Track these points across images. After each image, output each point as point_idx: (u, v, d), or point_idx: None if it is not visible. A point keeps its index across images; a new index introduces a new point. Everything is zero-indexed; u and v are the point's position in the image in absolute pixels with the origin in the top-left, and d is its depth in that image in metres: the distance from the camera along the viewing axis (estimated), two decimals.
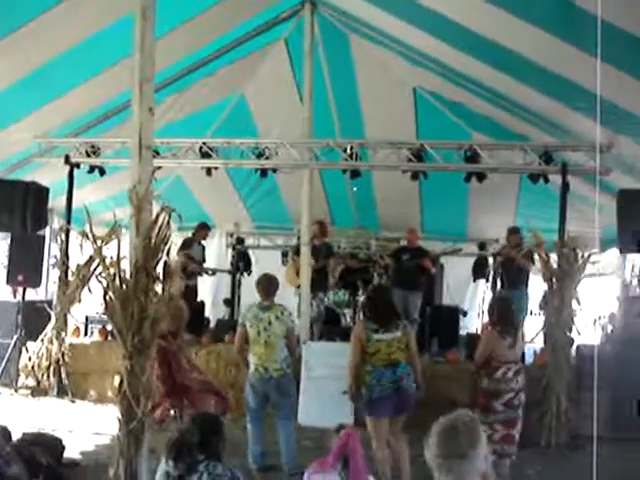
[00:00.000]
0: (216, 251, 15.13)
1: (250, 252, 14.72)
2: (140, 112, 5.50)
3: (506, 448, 6.42)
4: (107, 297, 5.29)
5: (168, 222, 5.30)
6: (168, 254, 5.54)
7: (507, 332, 6.63)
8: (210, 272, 13.32)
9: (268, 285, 7.25)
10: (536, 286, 14.15)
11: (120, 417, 5.29)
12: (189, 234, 12.22)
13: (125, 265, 5.46)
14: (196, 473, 3.99)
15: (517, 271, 10.73)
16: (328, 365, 9.26)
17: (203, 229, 12.27)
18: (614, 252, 12.31)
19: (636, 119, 8.16)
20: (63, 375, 10.08)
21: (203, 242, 12.53)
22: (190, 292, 11.52)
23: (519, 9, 7.39)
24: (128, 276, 5.34)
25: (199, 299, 12.36)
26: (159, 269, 5.48)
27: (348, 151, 10.06)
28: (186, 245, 11.79)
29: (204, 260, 12.57)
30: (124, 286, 5.23)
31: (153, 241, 5.26)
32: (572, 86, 8.09)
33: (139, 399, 5.17)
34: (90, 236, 5.94)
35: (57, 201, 11.75)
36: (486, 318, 10.91)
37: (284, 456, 7.07)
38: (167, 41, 8.77)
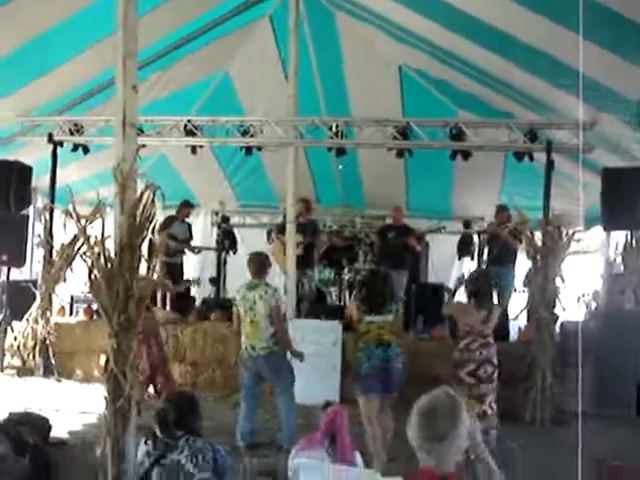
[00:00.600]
0: (201, 229, 15.07)
1: (235, 230, 14.67)
2: (124, 89, 5.45)
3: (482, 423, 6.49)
4: (92, 276, 5.26)
5: (153, 200, 5.27)
6: (153, 232, 5.52)
7: (482, 305, 6.71)
8: (196, 250, 13.26)
9: (258, 264, 7.28)
10: (522, 264, 14.30)
11: (107, 395, 5.28)
12: (174, 212, 12.18)
13: (110, 244, 5.44)
14: (177, 449, 4.02)
15: (504, 248, 10.80)
16: (314, 342, 9.30)
17: (185, 207, 12.20)
18: (598, 230, 12.40)
19: (619, 97, 8.17)
20: (49, 355, 10.07)
21: (188, 220, 12.47)
22: (175, 270, 11.50)
23: None
24: (113, 255, 5.30)
25: (185, 277, 12.32)
26: (144, 247, 5.45)
27: (333, 129, 10.03)
28: (167, 223, 11.73)
29: (191, 237, 12.51)
30: (109, 265, 5.20)
31: (138, 219, 5.23)
32: (556, 64, 8.08)
33: (126, 377, 5.16)
34: (74, 215, 5.91)
35: (40, 180, 11.66)
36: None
37: (284, 435, 7.11)
38: (150, 18, 8.69)
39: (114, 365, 5.20)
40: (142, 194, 5.25)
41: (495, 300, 7.61)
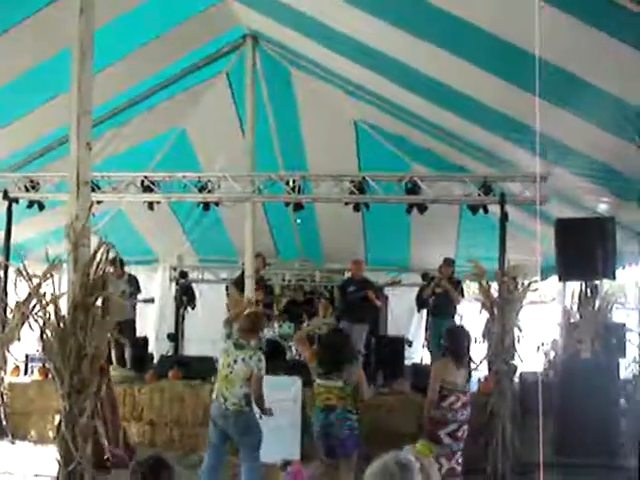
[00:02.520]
0: (160, 285, 14.96)
1: (194, 286, 14.57)
2: (77, 147, 5.43)
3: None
4: (44, 336, 5.15)
5: (107, 258, 5.21)
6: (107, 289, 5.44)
7: (462, 363, 6.69)
8: (134, 303, 12.84)
9: (249, 324, 7.24)
10: (474, 315, 14.42)
11: (59, 459, 5.13)
12: (133, 268, 12.05)
13: (63, 302, 5.35)
14: None
15: (448, 301, 11.25)
16: (273, 399, 9.16)
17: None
18: (554, 280, 12.56)
19: (570, 150, 8.37)
20: (2, 415, 9.77)
21: (131, 274, 12.26)
22: (127, 327, 11.32)
23: (457, 47, 7.53)
24: (66, 314, 5.21)
25: (142, 334, 12.14)
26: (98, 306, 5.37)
27: (291, 184, 10.07)
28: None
29: (138, 290, 12.23)
30: (61, 324, 5.11)
31: (91, 277, 5.17)
32: (509, 120, 8.28)
33: (77, 441, 5.03)
34: (24, 274, 5.81)
35: None
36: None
37: None
38: (107, 75, 8.74)
39: (65, 428, 5.07)
40: (95, 252, 5.19)
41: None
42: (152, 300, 13.57)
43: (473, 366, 11.31)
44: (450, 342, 6.93)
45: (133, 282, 12.04)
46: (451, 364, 6.68)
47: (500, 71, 7.47)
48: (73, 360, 5.05)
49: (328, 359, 6.70)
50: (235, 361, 6.97)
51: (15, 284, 7.35)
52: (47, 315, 5.15)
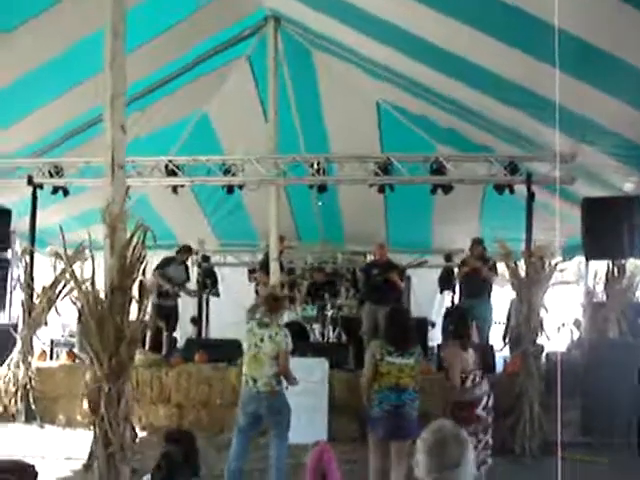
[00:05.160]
0: None
1: (216, 270, 14.60)
2: (112, 130, 5.43)
3: (484, 455, 6.48)
4: (83, 318, 5.18)
5: (143, 241, 5.22)
6: (144, 274, 5.46)
7: (466, 343, 6.68)
8: (193, 294, 12.99)
9: (271, 302, 7.23)
10: (500, 296, 14.38)
11: (98, 441, 5.17)
12: (155, 252, 12.06)
13: (98, 286, 5.37)
14: None
15: (480, 282, 10.91)
16: (300, 380, 9.20)
17: (186, 251, 12.02)
18: (577, 260, 12.52)
19: (598, 128, 8.30)
20: (31, 400, 9.85)
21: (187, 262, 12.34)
22: (169, 312, 11.40)
23: (479, 22, 7.49)
24: (102, 296, 5.24)
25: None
26: (134, 289, 5.40)
27: (315, 166, 10.06)
28: (163, 264, 11.62)
29: (188, 280, 12.29)
30: (99, 307, 5.13)
31: (128, 261, 5.18)
32: (535, 97, 8.18)
33: (118, 423, 5.07)
34: (64, 257, 5.83)
35: (19, 222, 11.56)
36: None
37: (273, 476, 6.98)
38: (130, 59, 8.70)
39: (105, 410, 5.10)
40: (132, 235, 5.21)
41: (475, 334, 7.55)
42: (195, 293, 13.56)
43: (498, 347, 11.42)
44: (451, 325, 6.95)
45: (187, 270, 12.20)
46: (459, 349, 6.70)
47: (526, 47, 7.40)
48: (111, 343, 5.07)
49: (399, 337, 6.50)
50: (262, 340, 6.95)
51: (54, 267, 7.38)
52: (85, 298, 5.16)
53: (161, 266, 11.49)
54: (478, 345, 6.93)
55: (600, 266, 10.74)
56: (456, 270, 12.99)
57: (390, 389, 6.36)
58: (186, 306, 14.46)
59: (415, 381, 6.46)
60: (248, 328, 7.10)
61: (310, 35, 10.62)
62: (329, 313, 12.66)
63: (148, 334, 11.05)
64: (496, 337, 13.36)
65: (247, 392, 7.00)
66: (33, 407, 9.87)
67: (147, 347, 10.94)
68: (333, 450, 6.47)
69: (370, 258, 13.25)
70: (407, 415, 6.36)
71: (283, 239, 11.89)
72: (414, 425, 6.35)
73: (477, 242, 11.16)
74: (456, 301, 13.08)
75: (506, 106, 9.18)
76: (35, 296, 10.12)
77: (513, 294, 9.90)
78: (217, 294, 13.85)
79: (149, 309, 5.60)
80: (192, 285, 13.96)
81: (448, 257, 14.30)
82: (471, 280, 11.00)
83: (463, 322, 6.88)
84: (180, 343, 12.18)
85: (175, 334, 12.74)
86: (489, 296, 11.16)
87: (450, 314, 7.35)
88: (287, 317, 11.53)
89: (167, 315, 10.70)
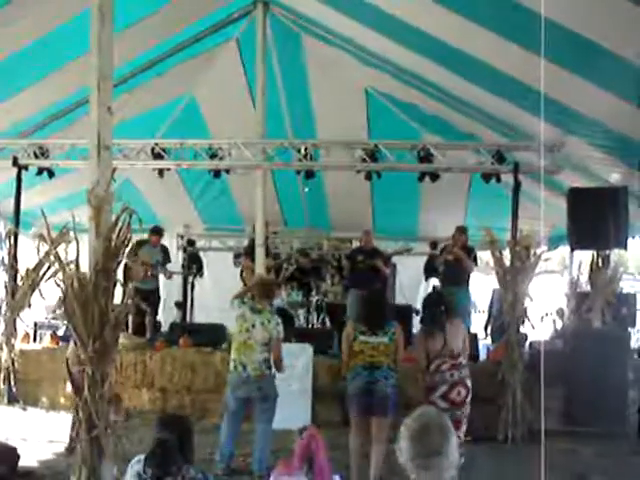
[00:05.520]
0: None
1: (201, 254, 14.56)
2: (99, 111, 5.38)
3: None
4: (66, 301, 5.15)
5: (129, 224, 5.19)
6: (128, 257, 5.43)
7: (434, 330, 6.64)
8: (167, 274, 12.92)
9: (263, 288, 7.22)
10: (484, 285, 14.46)
11: (82, 425, 5.15)
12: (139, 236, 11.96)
13: (82, 268, 5.34)
14: (170, 476, 3.90)
15: (461, 270, 10.98)
16: (285, 366, 9.25)
17: (155, 233, 11.86)
18: (561, 250, 12.59)
19: (585, 120, 8.32)
20: (13, 382, 9.82)
21: (164, 243, 12.24)
22: (146, 295, 11.31)
23: (468, 11, 7.47)
24: (87, 279, 5.21)
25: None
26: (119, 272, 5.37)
27: (302, 151, 10.03)
28: (134, 247, 11.49)
29: (168, 261, 12.13)
30: (84, 290, 5.10)
31: (113, 243, 5.15)
32: (522, 87, 8.17)
33: (101, 406, 5.05)
34: (47, 238, 5.78)
35: (2, 204, 11.48)
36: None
37: (256, 460, 7.01)
38: (117, 41, 8.62)
39: (88, 393, 5.08)
40: (118, 218, 5.17)
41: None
42: (170, 275, 13.48)
43: (481, 335, 11.47)
44: (423, 310, 6.95)
45: (166, 252, 12.05)
46: (424, 334, 6.71)
47: (515, 37, 7.38)
48: (96, 326, 5.05)
49: (373, 316, 6.67)
50: (253, 325, 6.96)
51: (38, 249, 7.33)
52: (70, 280, 5.12)
53: (133, 249, 11.35)
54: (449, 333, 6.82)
55: (585, 256, 10.81)
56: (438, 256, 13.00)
57: (364, 367, 6.54)
58: (171, 290, 14.45)
59: (390, 359, 6.59)
60: (240, 313, 7.09)
61: (300, 20, 10.56)
62: (314, 299, 12.69)
63: (130, 318, 10.97)
64: (478, 326, 13.46)
65: (236, 377, 7.02)
66: (16, 389, 9.84)
67: (130, 331, 10.88)
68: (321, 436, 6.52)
69: (356, 245, 13.24)
70: (380, 392, 6.51)
71: (267, 224, 11.84)
72: (389, 402, 6.55)
73: (461, 230, 11.15)
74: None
75: (494, 95, 9.20)
76: (19, 278, 10.06)
77: (496, 284, 9.92)
78: (201, 275, 13.81)
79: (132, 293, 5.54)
80: (176, 267, 13.94)
81: (434, 245, 14.32)
82: (452, 268, 11.03)
83: (433, 308, 6.84)
84: (164, 327, 12.14)
85: (159, 318, 12.70)
86: (468, 284, 11.27)
87: (425, 299, 7.33)
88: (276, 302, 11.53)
89: (146, 298, 10.62)
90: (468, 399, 6.60)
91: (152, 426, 4.24)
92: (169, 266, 12.12)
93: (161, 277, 11.98)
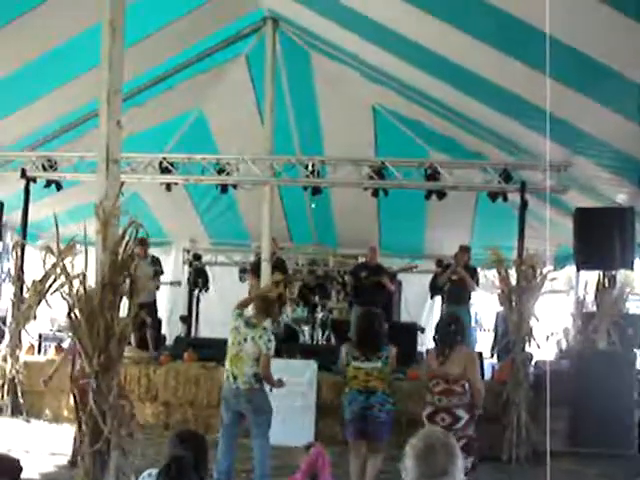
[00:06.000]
0: (172, 267, 14.97)
1: (207, 268, 14.59)
2: (107, 125, 5.40)
3: None
4: (72, 314, 5.15)
5: (136, 238, 5.21)
6: (135, 270, 5.43)
7: (439, 350, 6.57)
8: (157, 287, 12.66)
9: (263, 303, 7.24)
10: (486, 303, 14.43)
11: (85, 436, 5.14)
12: (152, 251, 11.94)
13: (88, 281, 5.35)
14: None
15: (463, 290, 10.98)
16: (289, 382, 9.21)
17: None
18: (567, 269, 12.55)
19: (592, 140, 8.33)
20: (18, 394, 9.81)
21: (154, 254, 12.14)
22: (148, 309, 11.27)
23: (473, 28, 7.51)
24: (93, 293, 5.21)
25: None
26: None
27: (310, 168, 10.06)
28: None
29: (160, 272, 11.94)
30: (90, 303, 5.11)
31: (120, 257, 5.16)
32: (530, 106, 8.19)
33: (105, 418, 5.05)
34: (55, 251, 5.79)
35: (10, 216, 11.51)
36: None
37: (257, 477, 6.97)
38: (127, 55, 8.67)
39: (94, 405, 5.08)
40: (124, 231, 5.19)
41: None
42: (179, 283, 13.56)
43: (487, 355, 11.42)
44: (435, 332, 6.86)
45: (157, 263, 11.88)
46: (432, 353, 6.65)
47: (522, 56, 7.40)
48: (101, 339, 5.05)
49: (365, 341, 6.65)
50: (245, 339, 6.97)
51: (44, 261, 7.33)
52: (76, 293, 5.13)
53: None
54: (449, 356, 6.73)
55: (591, 276, 10.77)
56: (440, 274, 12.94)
57: (359, 392, 6.52)
58: (176, 304, 14.48)
59: (385, 383, 6.55)
60: (235, 325, 7.09)
61: (308, 37, 10.64)
62: (319, 315, 12.67)
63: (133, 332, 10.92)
64: (484, 345, 13.42)
65: (227, 388, 7.04)
66: (20, 401, 9.82)
67: (134, 344, 10.86)
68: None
69: (362, 261, 13.23)
70: (375, 417, 6.47)
71: (275, 241, 11.84)
72: (384, 427, 6.52)
73: (464, 249, 11.15)
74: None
75: (501, 114, 9.22)
76: (25, 290, 10.08)
77: (499, 307, 9.87)
78: (207, 289, 13.83)
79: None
80: (182, 281, 13.95)
81: (440, 262, 14.28)
82: (455, 287, 11.05)
83: (441, 330, 6.72)
84: (169, 341, 12.14)
85: (164, 332, 12.70)
86: (469, 303, 11.34)
87: (439, 319, 7.27)
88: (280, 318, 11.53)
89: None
90: (457, 425, 6.19)
91: (167, 442, 4.17)
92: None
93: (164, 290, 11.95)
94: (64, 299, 5.33)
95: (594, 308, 10.20)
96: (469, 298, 11.25)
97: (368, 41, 9.42)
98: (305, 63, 11.03)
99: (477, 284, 11.19)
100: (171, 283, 12.15)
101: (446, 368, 6.41)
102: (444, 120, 10.48)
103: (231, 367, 7.03)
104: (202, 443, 4.16)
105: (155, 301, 11.75)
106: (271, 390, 7.18)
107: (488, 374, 10.39)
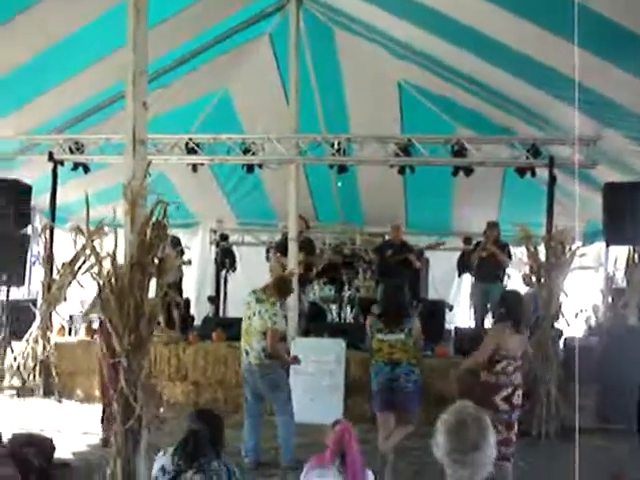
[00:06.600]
0: (200, 248, 15.05)
1: (234, 248, 14.64)
2: (134, 106, 5.42)
3: (504, 450, 6.24)
4: (103, 294, 5.20)
5: (164, 217, 5.23)
6: (163, 250, 5.45)
7: (519, 329, 6.44)
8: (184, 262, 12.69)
9: (278, 282, 7.34)
10: (514, 280, 14.31)
11: (117, 415, 5.20)
12: (173, 231, 11.97)
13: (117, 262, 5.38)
14: (192, 469, 3.94)
15: (495, 266, 10.82)
16: (317, 361, 9.27)
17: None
18: (596, 246, 12.41)
19: (623, 112, 8.17)
20: (49, 375, 9.94)
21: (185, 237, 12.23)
22: (173, 289, 11.30)
23: (505, 1, 7.38)
24: (123, 273, 5.25)
25: (184, 296, 12.16)
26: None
27: (335, 146, 10.02)
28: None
29: (182, 252, 11.87)
30: (119, 283, 5.15)
31: (148, 237, 5.19)
32: (560, 77, 8.03)
33: (136, 397, 5.10)
34: (85, 232, 5.83)
35: (38, 199, 11.61)
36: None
37: (283, 453, 7.04)
38: (151, 36, 8.67)
39: (125, 385, 5.14)
40: (152, 211, 5.21)
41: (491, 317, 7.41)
42: (189, 262, 13.60)
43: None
44: (507, 307, 6.69)
45: (178, 244, 11.94)
46: (508, 330, 6.46)
47: (553, 26, 7.24)
48: (131, 319, 5.10)
49: (389, 313, 6.70)
50: (254, 314, 7.05)
51: (75, 242, 7.40)
52: (106, 274, 5.18)
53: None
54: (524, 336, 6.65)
55: (620, 252, 10.64)
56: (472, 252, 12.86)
57: (385, 363, 6.60)
58: (204, 285, 14.57)
59: (410, 355, 6.59)
60: (247, 300, 7.19)
61: (332, 13, 10.57)
62: (347, 294, 12.67)
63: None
64: None
65: (244, 363, 7.15)
66: (52, 382, 9.96)
67: (162, 324, 10.94)
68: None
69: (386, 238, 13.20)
70: (402, 388, 6.53)
71: (305, 220, 11.80)
72: (411, 397, 6.58)
73: (493, 225, 10.98)
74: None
75: (528, 84, 9.03)
76: (55, 272, 10.19)
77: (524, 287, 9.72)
78: (234, 269, 13.90)
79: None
80: (210, 262, 14.00)
81: (467, 240, 14.19)
82: (486, 264, 10.87)
83: (520, 306, 6.66)
84: (197, 321, 12.21)
85: (192, 312, 12.77)
86: (502, 280, 11.09)
87: (507, 297, 7.00)
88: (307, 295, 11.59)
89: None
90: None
91: (185, 418, 4.27)
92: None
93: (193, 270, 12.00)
94: (94, 279, 5.37)
95: (624, 284, 10.07)
96: (502, 275, 11.03)
97: (392, 15, 9.32)
98: (329, 40, 10.95)
99: (510, 258, 10.98)
100: (183, 263, 12.08)
101: (521, 348, 6.33)
102: (470, 94, 10.35)
103: (244, 342, 7.19)
104: (218, 419, 4.27)
105: (181, 281, 11.82)
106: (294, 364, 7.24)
107: None
